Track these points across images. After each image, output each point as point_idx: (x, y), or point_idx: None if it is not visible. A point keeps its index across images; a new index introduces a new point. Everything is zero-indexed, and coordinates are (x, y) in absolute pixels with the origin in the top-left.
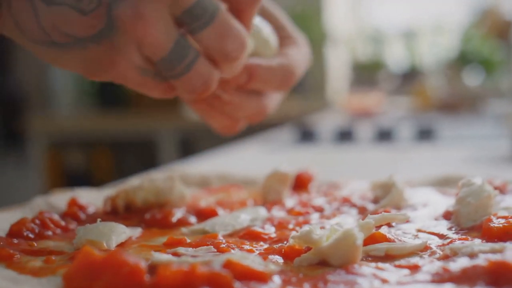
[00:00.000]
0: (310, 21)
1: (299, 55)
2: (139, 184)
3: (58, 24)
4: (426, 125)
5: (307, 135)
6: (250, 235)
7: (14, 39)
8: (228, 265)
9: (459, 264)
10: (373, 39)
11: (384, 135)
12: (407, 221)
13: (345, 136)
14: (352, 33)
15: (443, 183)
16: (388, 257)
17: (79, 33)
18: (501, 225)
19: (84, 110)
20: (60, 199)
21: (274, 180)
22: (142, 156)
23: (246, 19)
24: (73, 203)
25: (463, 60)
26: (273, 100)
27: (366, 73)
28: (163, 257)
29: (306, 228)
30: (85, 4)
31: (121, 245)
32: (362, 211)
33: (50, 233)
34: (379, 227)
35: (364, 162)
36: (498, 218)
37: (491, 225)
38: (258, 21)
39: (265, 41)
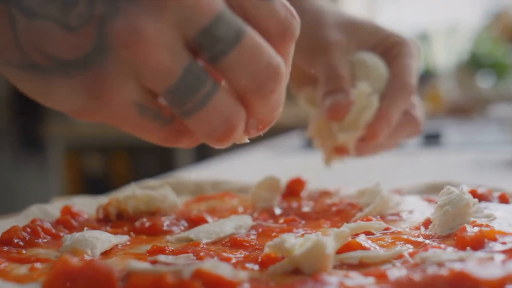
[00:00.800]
0: None
1: (410, 61)
2: (131, 193)
3: (38, 42)
4: (433, 130)
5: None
6: (232, 243)
7: None
8: (197, 273)
9: (423, 273)
10: None
11: None
12: (388, 228)
13: None
14: None
15: (431, 190)
16: (362, 265)
17: (62, 54)
18: (473, 234)
19: None
20: (56, 207)
21: (264, 188)
22: (159, 160)
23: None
24: (66, 211)
25: (474, 63)
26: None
27: None
28: (139, 265)
29: (281, 236)
30: (72, 17)
31: (106, 253)
32: (346, 218)
33: (40, 240)
34: (356, 235)
35: (369, 167)
36: (474, 226)
37: (464, 233)
38: (369, 58)
39: (382, 78)
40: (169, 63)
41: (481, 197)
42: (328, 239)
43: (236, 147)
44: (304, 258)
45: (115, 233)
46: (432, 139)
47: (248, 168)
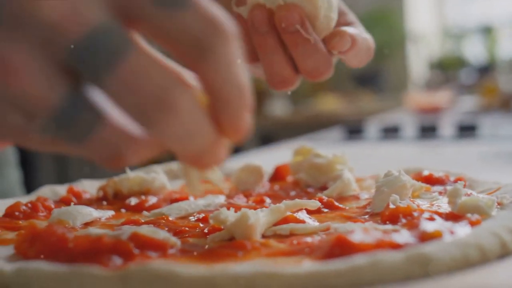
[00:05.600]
0: (392, 20)
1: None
2: (126, 175)
3: None
4: (468, 122)
5: (355, 133)
6: (197, 218)
7: None
8: (133, 236)
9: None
10: (453, 35)
11: (427, 132)
12: (336, 207)
13: (390, 133)
14: (432, 30)
15: None
16: (292, 236)
17: None
18: (391, 210)
19: None
20: (64, 188)
21: (245, 172)
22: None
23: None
24: (69, 190)
25: None
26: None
27: (445, 70)
28: (95, 231)
29: (220, 210)
30: None
31: (87, 224)
32: (311, 198)
33: (39, 214)
34: (298, 210)
35: (402, 157)
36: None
37: (385, 209)
38: None
39: (331, 17)
40: (46, 93)
41: (437, 181)
42: (260, 213)
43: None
44: (234, 227)
45: (107, 210)
46: (466, 131)
47: (286, 157)
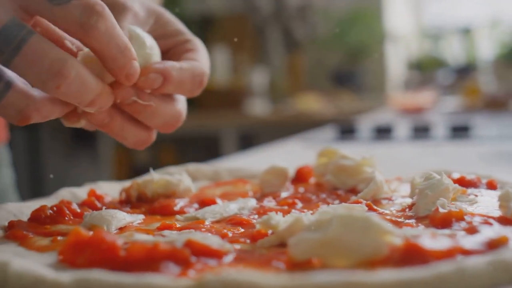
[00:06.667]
0: (370, 20)
1: (204, 58)
2: (150, 177)
3: None
4: (461, 122)
5: (347, 133)
6: (234, 222)
7: None
8: (188, 243)
9: None
10: (431, 36)
11: (420, 132)
12: (375, 210)
13: (383, 133)
14: (411, 31)
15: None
16: None
17: None
18: (443, 214)
19: None
20: (84, 190)
21: (271, 175)
22: (206, 151)
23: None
24: (91, 193)
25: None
26: (184, 105)
27: (423, 71)
28: (142, 237)
29: (268, 214)
30: None
31: (121, 229)
32: (344, 201)
33: (66, 218)
34: None
35: (398, 157)
36: (448, 207)
37: (436, 213)
38: (139, 32)
39: (148, 54)
40: None
41: (470, 184)
42: (310, 217)
43: (279, 137)
44: (286, 232)
45: (132, 213)
46: (460, 131)
47: (283, 157)
